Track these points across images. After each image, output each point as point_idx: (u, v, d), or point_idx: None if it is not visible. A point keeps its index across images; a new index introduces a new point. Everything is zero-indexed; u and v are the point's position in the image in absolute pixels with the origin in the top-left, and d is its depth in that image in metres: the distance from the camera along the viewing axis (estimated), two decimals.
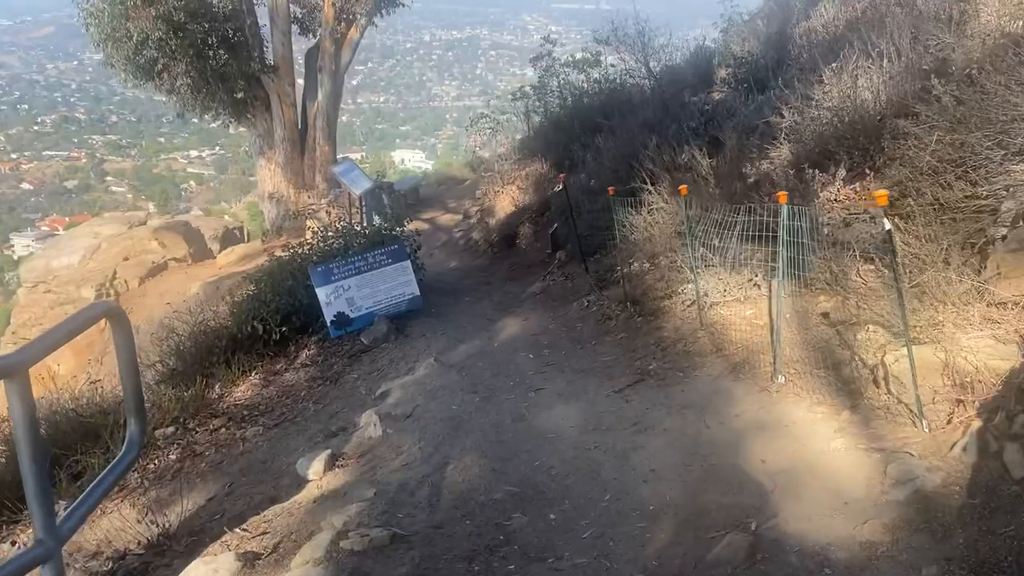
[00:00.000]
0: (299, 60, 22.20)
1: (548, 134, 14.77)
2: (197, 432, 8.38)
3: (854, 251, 7.10)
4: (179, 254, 20.07)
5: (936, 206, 6.20)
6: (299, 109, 21.99)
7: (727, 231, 7.52)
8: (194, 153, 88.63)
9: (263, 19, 20.97)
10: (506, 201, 14.36)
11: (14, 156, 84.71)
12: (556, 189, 13.68)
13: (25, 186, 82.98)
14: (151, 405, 8.63)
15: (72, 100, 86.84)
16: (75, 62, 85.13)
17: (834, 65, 9.36)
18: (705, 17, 15.55)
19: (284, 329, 9.71)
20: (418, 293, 10.21)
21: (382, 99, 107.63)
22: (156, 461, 7.93)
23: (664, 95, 13.79)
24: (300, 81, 22.35)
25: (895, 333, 5.76)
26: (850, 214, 7.94)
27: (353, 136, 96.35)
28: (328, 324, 9.68)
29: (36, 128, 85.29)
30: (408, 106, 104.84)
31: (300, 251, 10.81)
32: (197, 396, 8.94)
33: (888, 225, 4.58)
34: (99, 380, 13.97)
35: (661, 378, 7.02)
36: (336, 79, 21.25)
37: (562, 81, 15.39)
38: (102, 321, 2.94)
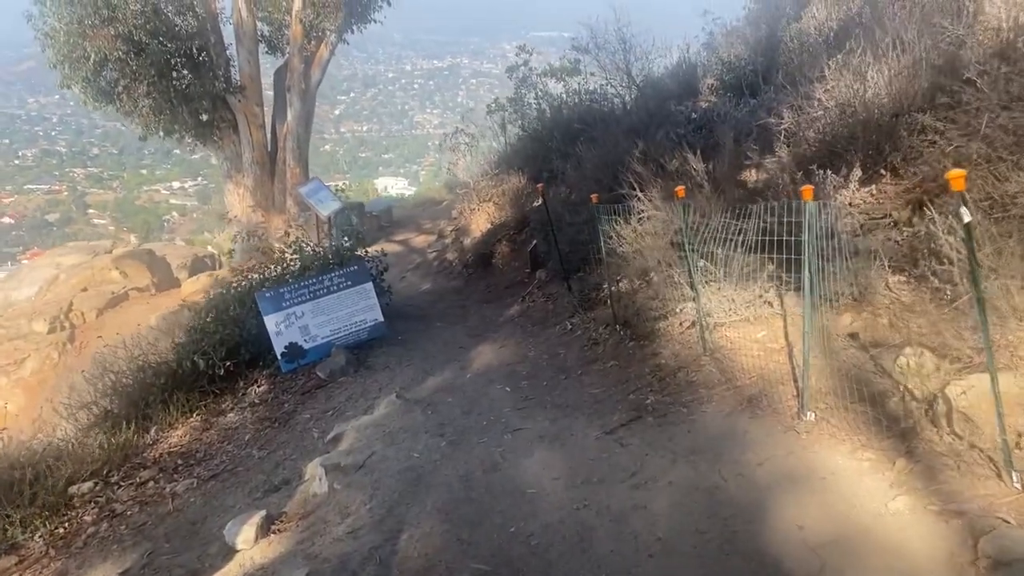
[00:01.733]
0: (268, 80, 21.02)
1: (525, 147, 13.64)
2: (120, 487, 7.06)
3: (882, 260, 5.94)
4: (142, 284, 18.66)
5: (991, 201, 5.04)
6: (268, 130, 20.76)
7: (730, 240, 6.33)
8: (176, 184, 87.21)
9: (228, 38, 19.78)
10: (482, 219, 13.18)
11: None
12: (535, 204, 12.52)
13: (6, 220, 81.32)
14: (63, 458, 7.31)
15: (53, 134, 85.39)
16: (56, 96, 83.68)
17: (838, 58, 8.27)
18: (687, 26, 14.50)
19: (229, 364, 8.42)
20: (382, 319, 8.96)
21: (365, 128, 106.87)
22: (68, 524, 6.61)
23: (648, 103, 12.69)
24: (270, 103, 21.16)
25: (952, 358, 4.56)
26: (870, 218, 6.81)
27: (336, 164, 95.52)
28: (279, 357, 8.39)
29: (17, 162, 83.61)
30: (391, 134, 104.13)
31: (250, 276, 9.56)
32: (124, 444, 7.63)
33: (968, 216, 3.39)
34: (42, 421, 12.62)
35: (661, 415, 5.77)
36: (306, 99, 20.05)
37: (539, 92, 14.28)
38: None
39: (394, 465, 5.76)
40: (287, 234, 15.55)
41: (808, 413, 4.90)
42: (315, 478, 5.91)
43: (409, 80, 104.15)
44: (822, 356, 5.41)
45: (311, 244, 10.22)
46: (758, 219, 5.91)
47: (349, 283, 8.74)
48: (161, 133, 19.83)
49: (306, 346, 8.48)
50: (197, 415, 8.24)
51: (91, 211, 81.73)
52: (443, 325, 9.87)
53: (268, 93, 21.08)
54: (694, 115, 11.56)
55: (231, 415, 8.12)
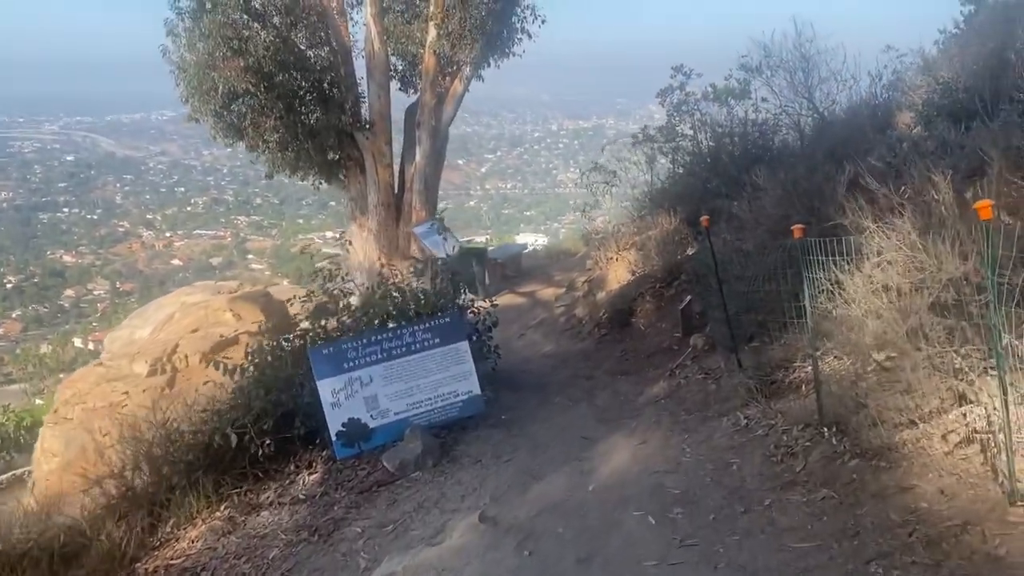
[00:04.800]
0: (399, 118, 19.42)
1: (678, 184, 10.97)
2: None
3: None
4: (254, 327, 17.10)
5: None
6: (396, 171, 19.07)
7: None
8: (330, 234, 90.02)
9: (360, 71, 18.33)
10: (621, 269, 10.56)
11: (168, 234, 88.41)
12: (689, 251, 9.78)
13: (175, 262, 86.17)
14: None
15: (222, 184, 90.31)
16: (228, 149, 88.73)
17: None
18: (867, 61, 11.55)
19: (267, 442, 6.10)
20: (479, 391, 6.44)
21: (509, 185, 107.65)
22: None
23: (834, 134, 9.79)
24: (399, 143, 19.53)
25: None
26: None
27: (479, 220, 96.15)
28: (333, 438, 5.99)
29: (189, 209, 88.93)
30: (534, 192, 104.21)
31: (314, 327, 7.35)
32: (111, 551, 5.43)
33: None
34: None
35: None
36: (437, 137, 18.18)
37: (697, 120, 11.60)
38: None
39: None
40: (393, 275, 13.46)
41: None
42: None
43: (555, 139, 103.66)
44: None
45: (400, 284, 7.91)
46: None
47: (438, 341, 6.30)
48: (287, 171, 18.53)
49: (372, 424, 6.07)
50: (226, 507, 5.95)
51: (250, 256, 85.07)
52: (563, 402, 7.22)
53: (398, 131, 19.49)
54: (903, 143, 8.60)
55: (266, 513, 5.77)
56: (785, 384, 5.91)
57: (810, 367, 5.60)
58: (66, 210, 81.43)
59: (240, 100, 16.72)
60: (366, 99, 18.31)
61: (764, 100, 11.26)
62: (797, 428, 5.21)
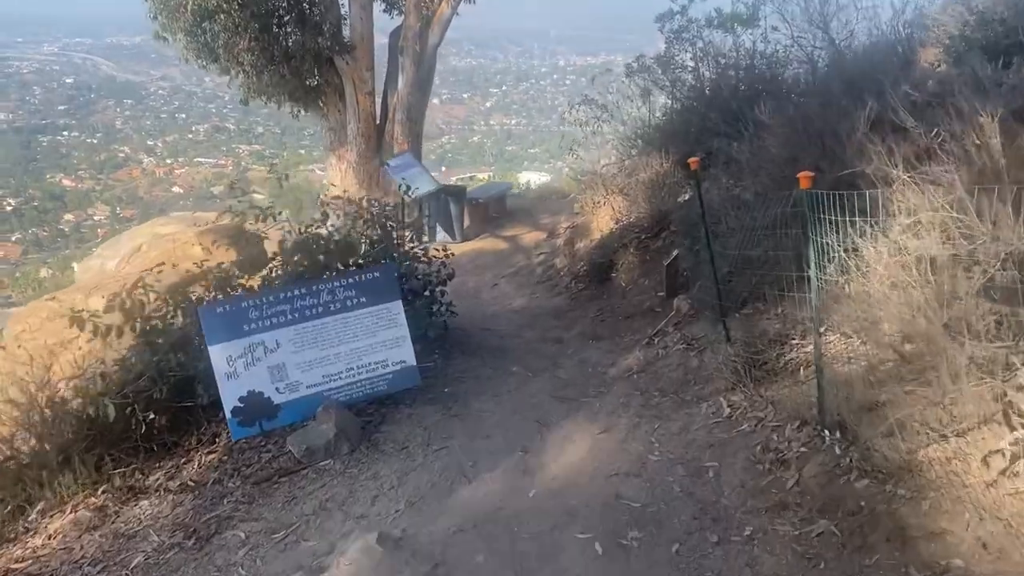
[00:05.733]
0: (385, 44, 17.90)
1: (675, 122, 9.63)
2: None
3: None
4: (225, 262, 15.97)
5: None
6: (380, 101, 17.66)
7: None
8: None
9: None
10: (606, 217, 9.35)
11: (168, 161, 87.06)
12: (681, 198, 8.55)
13: (176, 189, 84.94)
14: None
15: (224, 111, 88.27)
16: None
17: None
18: None
19: (151, 416, 5.03)
20: (413, 362, 5.30)
21: (514, 122, 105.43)
22: None
23: (854, 68, 8.46)
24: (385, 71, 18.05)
25: None
26: None
27: (483, 156, 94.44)
28: (227, 415, 4.91)
29: (190, 136, 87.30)
30: (539, 129, 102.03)
31: (216, 269, 6.25)
32: None
33: None
34: None
35: None
36: (422, 64, 16.68)
37: (699, 50, 10.13)
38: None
39: None
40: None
41: None
42: None
43: (561, 76, 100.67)
44: None
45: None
46: None
47: (364, 300, 5.14)
48: (263, 97, 17.14)
49: (278, 399, 4.96)
50: (103, 492, 4.91)
51: (252, 187, 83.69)
52: (521, 372, 6.11)
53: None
54: (929, 82, 7.32)
55: (146, 502, 4.74)
56: (780, 366, 4.80)
57: (811, 347, 4.49)
58: (65, 133, 79.58)
59: (212, 19, 15.28)
60: (348, 20, 16.81)
61: (774, 29, 9.87)
62: (791, 426, 4.14)
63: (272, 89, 16.96)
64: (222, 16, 15.34)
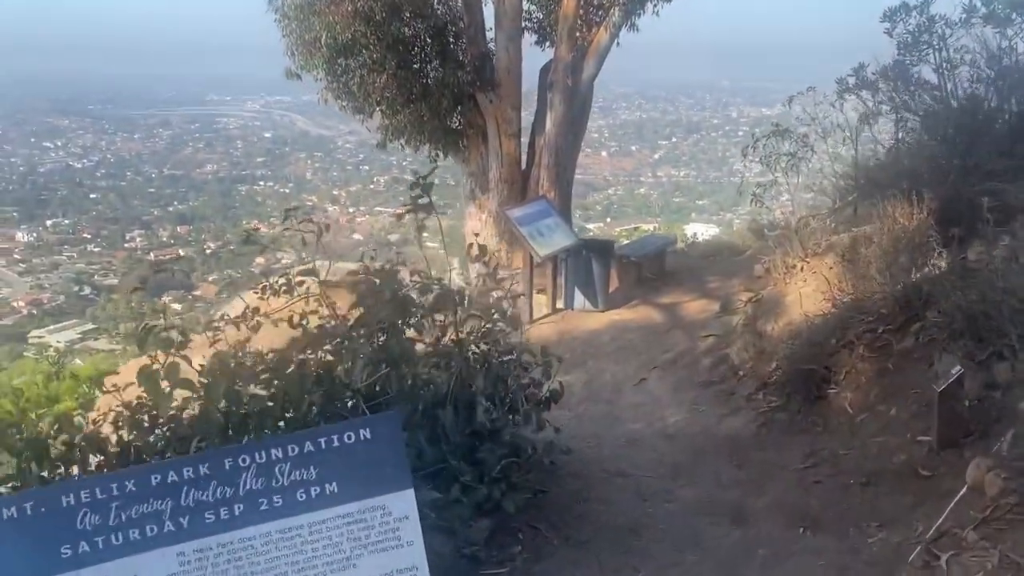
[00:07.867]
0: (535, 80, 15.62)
1: (913, 156, 6.37)
2: None
3: None
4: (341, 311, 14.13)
5: None
6: (527, 143, 15.34)
7: None
8: None
9: (488, 20, 14.68)
10: (810, 289, 6.17)
11: (351, 210, 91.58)
12: (938, 263, 5.26)
13: (356, 236, 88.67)
14: None
15: (404, 163, 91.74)
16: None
17: None
18: None
19: None
20: None
21: (682, 173, 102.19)
22: None
23: None
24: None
25: None
26: None
27: (649, 208, 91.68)
28: None
29: (372, 186, 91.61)
30: (708, 180, 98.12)
31: None
32: None
33: None
34: None
35: None
36: (574, 100, 14.13)
37: (946, 58, 6.66)
38: None
39: None
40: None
41: None
42: None
43: (734, 127, 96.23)
44: None
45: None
46: None
47: (335, 487, 2.41)
48: (402, 139, 15.32)
49: None
50: None
51: (425, 235, 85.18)
52: None
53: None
54: None
55: None
56: None
57: None
58: (261, 183, 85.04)
59: (347, 53, 13.63)
60: (494, 54, 14.68)
61: None
62: None
63: (410, 129, 15.09)
64: (359, 50, 13.70)
